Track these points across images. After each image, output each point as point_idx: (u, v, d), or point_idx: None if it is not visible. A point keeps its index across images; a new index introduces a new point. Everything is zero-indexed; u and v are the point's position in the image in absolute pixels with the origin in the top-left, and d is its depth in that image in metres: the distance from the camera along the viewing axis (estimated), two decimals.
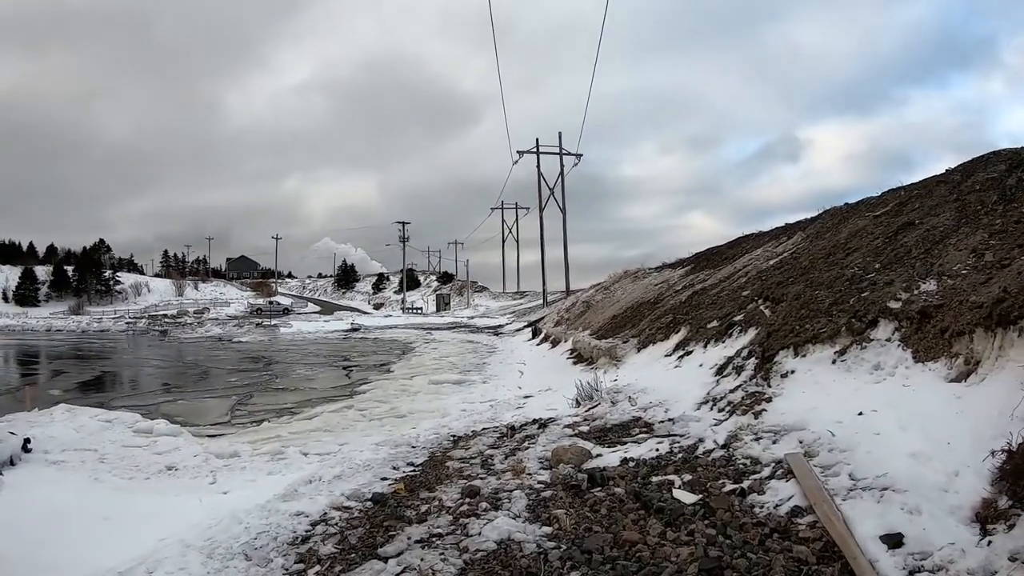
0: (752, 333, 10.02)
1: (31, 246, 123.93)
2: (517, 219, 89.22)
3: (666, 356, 12.41)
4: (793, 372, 7.56)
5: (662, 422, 7.84)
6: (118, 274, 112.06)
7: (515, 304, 74.41)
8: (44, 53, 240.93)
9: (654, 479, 6.04)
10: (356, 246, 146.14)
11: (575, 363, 18.20)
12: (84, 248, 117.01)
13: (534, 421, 9.67)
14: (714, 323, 11.94)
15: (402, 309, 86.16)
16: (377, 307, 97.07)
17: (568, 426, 8.64)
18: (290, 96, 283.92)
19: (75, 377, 27.22)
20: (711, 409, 7.85)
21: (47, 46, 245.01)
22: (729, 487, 5.65)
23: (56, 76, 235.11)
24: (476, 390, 17.44)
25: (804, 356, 7.74)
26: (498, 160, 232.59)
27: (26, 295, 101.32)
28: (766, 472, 5.76)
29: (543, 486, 6.56)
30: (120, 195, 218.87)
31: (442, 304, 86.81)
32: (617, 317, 20.25)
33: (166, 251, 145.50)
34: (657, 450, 6.94)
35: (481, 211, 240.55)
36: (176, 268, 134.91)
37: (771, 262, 14.75)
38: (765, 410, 7.00)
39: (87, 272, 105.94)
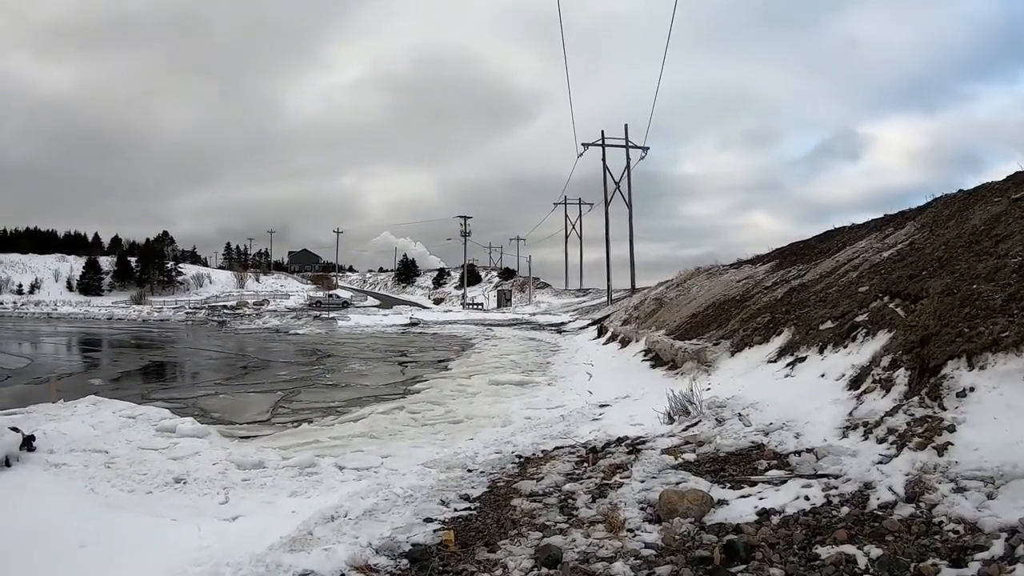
0: (884, 337, 8.13)
1: (96, 237, 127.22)
2: (580, 215, 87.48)
3: (769, 362, 10.56)
4: (973, 390, 5.62)
5: (797, 453, 5.87)
6: (180, 265, 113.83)
7: (578, 301, 72.63)
8: (106, 55, 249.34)
9: (821, 552, 4.10)
10: (415, 240, 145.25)
11: (653, 366, 16.39)
12: (147, 240, 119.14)
13: (619, 440, 7.86)
14: (828, 324, 10.05)
15: (462, 304, 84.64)
16: (437, 302, 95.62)
17: (667, 451, 6.70)
18: (345, 93, 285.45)
19: (122, 366, 26.74)
20: (864, 438, 5.88)
21: (109, 48, 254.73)
22: None
23: (119, 76, 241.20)
24: (541, 393, 15.79)
25: (983, 368, 5.80)
26: (556, 156, 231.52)
27: (90, 284, 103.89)
28: (998, 549, 3.83)
29: (654, 554, 4.61)
30: (184, 189, 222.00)
31: (503, 300, 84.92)
32: (697, 316, 18.40)
33: (228, 244, 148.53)
34: (807, 498, 5.05)
35: (541, 208, 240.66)
36: (238, 260, 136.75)
37: (885, 254, 12.82)
38: (950, 444, 5.07)
39: (150, 263, 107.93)
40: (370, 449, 10.49)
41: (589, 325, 40.25)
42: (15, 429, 9.62)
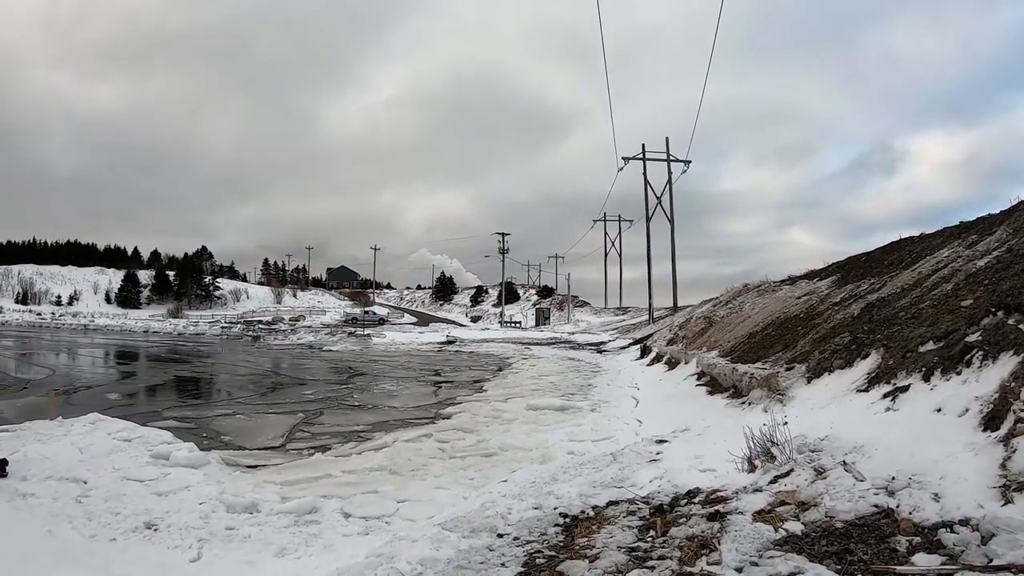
0: (1011, 360, 6.52)
1: (135, 251, 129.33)
2: (620, 232, 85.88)
3: (859, 391, 8.80)
4: None
5: (947, 526, 3.88)
6: (218, 280, 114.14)
7: (617, 320, 71.20)
8: (150, 73, 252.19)
9: None
10: (452, 257, 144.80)
11: (710, 392, 14.62)
12: (186, 254, 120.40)
13: (690, 495, 6.07)
14: (929, 345, 8.38)
15: (500, 323, 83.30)
16: (475, 320, 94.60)
17: (761, 516, 4.82)
18: (383, 111, 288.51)
19: (145, 380, 26.27)
20: None
21: (153, 66, 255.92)
22: None
23: (162, 93, 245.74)
24: (584, 421, 14.32)
25: None
26: (594, 174, 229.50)
27: (128, 297, 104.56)
28: None
29: None
30: (224, 205, 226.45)
31: (541, 318, 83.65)
32: (755, 336, 16.75)
33: (266, 259, 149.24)
34: None
35: (578, 226, 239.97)
36: (276, 276, 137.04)
37: (980, 263, 11.12)
38: None
39: (188, 277, 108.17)
40: (386, 490, 9.09)
41: (631, 345, 38.99)
42: None
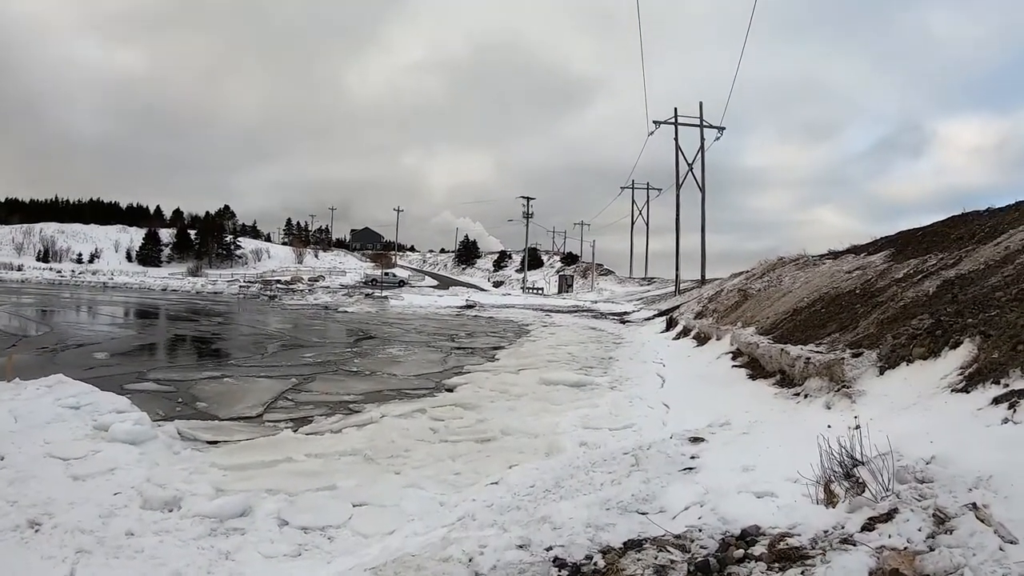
0: None
1: (158, 209, 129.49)
2: (648, 200, 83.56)
3: (954, 391, 6.79)
4: None
5: None
6: (239, 239, 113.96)
7: (642, 290, 69.40)
8: (173, 37, 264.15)
9: None
10: (475, 220, 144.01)
11: (752, 376, 12.46)
12: (208, 213, 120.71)
13: (744, 538, 3.94)
14: None
15: (522, 288, 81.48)
16: (497, 285, 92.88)
17: None
18: (406, 75, 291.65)
19: (142, 339, 25.36)
20: None
21: (176, 31, 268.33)
22: None
23: (184, 58, 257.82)
24: (602, 402, 12.47)
25: None
26: (617, 142, 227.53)
27: (148, 255, 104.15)
28: None
29: None
30: (248, 166, 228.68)
31: (564, 286, 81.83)
32: (800, 312, 14.77)
33: (289, 220, 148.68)
34: None
35: (602, 194, 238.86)
36: (298, 236, 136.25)
37: None
38: None
39: (209, 236, 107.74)
40: (346, 486, 7.37)
41: (655, 316, 37.13)
42: None
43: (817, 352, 10.22)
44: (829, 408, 7.79)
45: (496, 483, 7.06)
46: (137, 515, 6.35)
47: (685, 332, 23.91)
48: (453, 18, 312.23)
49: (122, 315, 37.09)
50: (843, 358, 9.12)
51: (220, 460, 8.28)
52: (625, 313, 44.21)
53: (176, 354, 21.83)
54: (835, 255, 21.97)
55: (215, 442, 9.49)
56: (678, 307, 33.44)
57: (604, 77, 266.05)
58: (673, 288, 53.18)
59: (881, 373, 8.46)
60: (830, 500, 4.60)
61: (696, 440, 7.28)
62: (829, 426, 6.39)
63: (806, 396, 9.17)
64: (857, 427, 5.75)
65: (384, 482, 7.56)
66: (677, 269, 52.46)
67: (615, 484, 6.10)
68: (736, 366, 13.83)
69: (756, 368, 12.74)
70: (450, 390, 14.09)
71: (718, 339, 17.97)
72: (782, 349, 11.49)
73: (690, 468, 6.21)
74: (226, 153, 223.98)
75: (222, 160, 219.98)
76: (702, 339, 20.20)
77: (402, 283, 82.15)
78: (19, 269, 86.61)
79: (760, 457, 6.19)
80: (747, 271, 29.79)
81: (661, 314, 36.22)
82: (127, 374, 15.40)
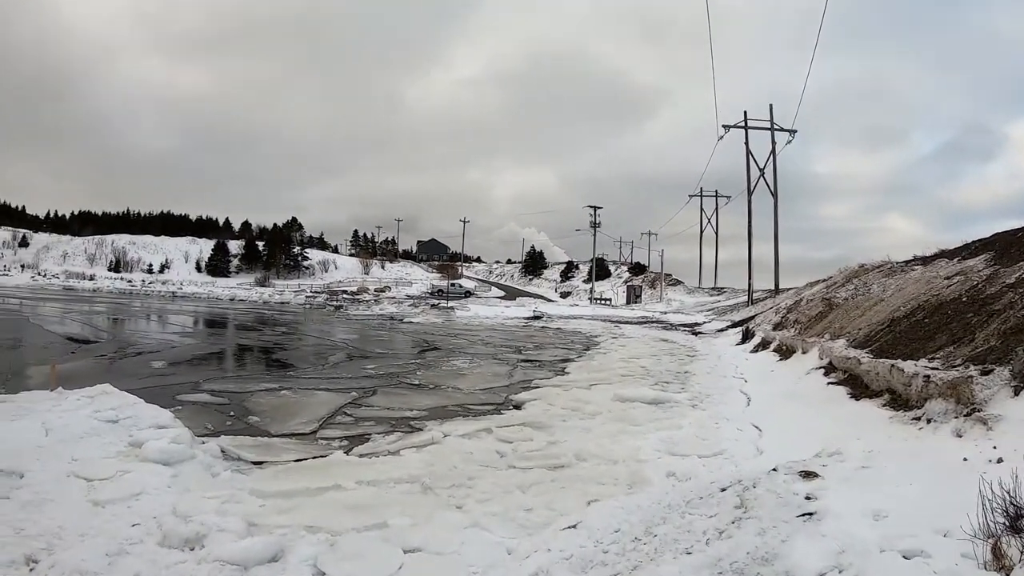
0: None
1: (226, 221, 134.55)
2: (717, 208, 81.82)
3: None
4: None
5: None
6: (307, 250, 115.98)
7: (712, 301, 68.12)
8: (237, 56, 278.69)
9: None
10: (539, 230, 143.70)
11: (852, 395, 11.17)
12: (275, 225, 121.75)
13: None
14: None
15: (590, 299, 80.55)
16: (564, 296, 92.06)
17: None
18: (467, 89, 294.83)
19: (203, 348, 24.99)
20: None
21: (239, 50, 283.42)
22: None
23: (248, 74, 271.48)
24: (685, 422, 11.35)
25: None
26: (683, 151, 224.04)
27: (217, 266, 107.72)
28: None
29: None
30: (314, 180, 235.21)
31: (632, 296, 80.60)
32: (898, 323, 13.41)
33: (356, 231, 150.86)
34: None
35: (665, 205, 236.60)
36: (365, 248, 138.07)
37: None
38: None
39: (276, 247, 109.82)
40: (399, 524, 6.36)
41: (729, 328, 35.82)
42: None
43: (935, 368, 9.01)
44: (960, 436, 6.67)
45: (574, 526, 6.02)
46: (151, 555, 5.52)
47: (764, 345, 22.72)
48: (511, 31, 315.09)
49: (187, 324, 37.03)
50: (971, 376, 7.90)
51: (261, 485, 7.44)
52: (696, 324, 42.93)
53: (236, 364, 21.39)
54: (924, 260, 20.70)
55: (260, 462, 8.72)
56: (753, 318, 32.36)
57: (666, 86, 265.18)
58: (745, 298, 51.86)
59: (1016, 393, 7.25)
60: (1000, 564, 3.56)
61: (808, 475, 6.14)
62: (965, 459, 5.39)
63: (929, 421, 7.94)
64: (998, 459, 4.71)
65: (443, 520, 6.54)
66: (750, 278, 50.86)
67: (723, 536, 5.06)
68: (832, 383, 12.60)
69: (857, 386, 11.51)
70: (518, 407, 13.14)
71: (804, 352, 16.76)
72: (892, 365, 10.24)
73: (809, 513, 5.11)
74: (293, 167, 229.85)
75: (289, 174, 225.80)
76: (785, 352, 19.01)
77: (468, 294, 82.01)
78: (91, 279, 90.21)
79: (892, 500, 5.12)
80: (826, 279, 28.66)
81: (735, 325, 35.20)
82: (182, 384, 14.96)
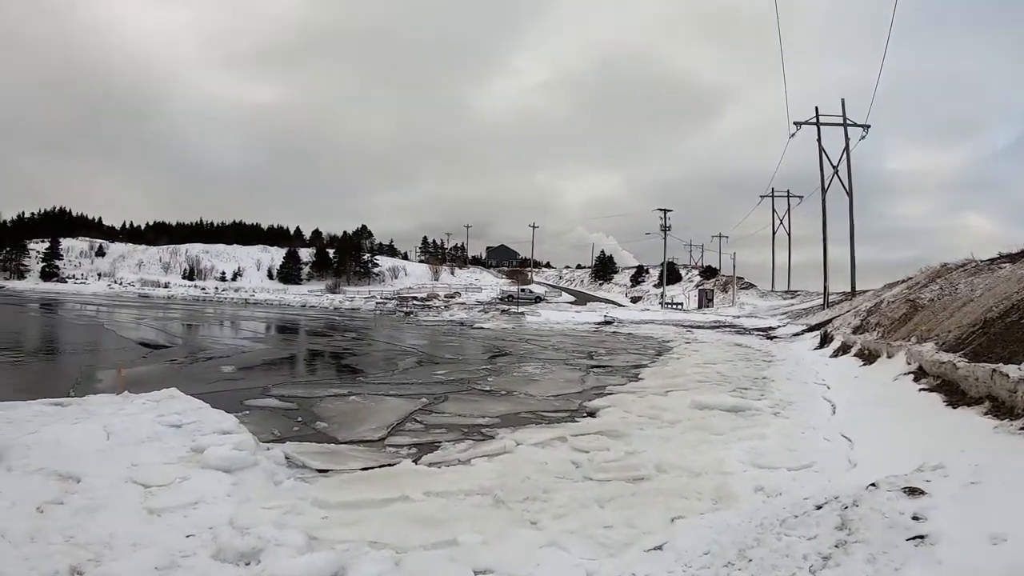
0: None
1: (297, 230, 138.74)
2: (789, 208, 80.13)
3: None
4: None
5: None
6: (377, 257, 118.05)
7: (786, 304, 66.95)
8: (302, 70, 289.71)
9: None
10: (608, 235, 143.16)
11: (948, 403, 10.19)
12: (345, 232, 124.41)
13: None
14: None
15: (661, 304, 79.77)
16: (635, 300, 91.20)
17: None
18: (532, 96, 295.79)
19: (273, 353, 25.36)
20: None
21: (306, 64, 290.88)
22: None
23: (315, 87, 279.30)
24: (768, 431, 10.73)
25: None
26: (752, 151, 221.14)
27: (289, 273, 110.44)
28: None
29: None
30: (382, 189, 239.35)
31: (704, 300, 79.54)
32: (991, 324, 12.41)
33: (425, 238, 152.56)
34: None
35: (738, 204, 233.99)
36: (434, 254, 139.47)
37: None
38: None
39: (347, 254, 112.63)
40: (469, 541, 5.95)
41: (805, 331, 35.05)
42: None
43: None
44: None
45: (660, 547, 5.52)
46: (203, 569, 5.21)
47: (844, 349, 21.94)
48: (574, 36, 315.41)
49: (258, 330, 37.43)
50: None
51: (324, 495, 7.10)
52: (770, 328, 42.08)
53: (305, 369, 21.26)
54: (1011, 258, 19.99)
55: (325, 470, 8.47)
56: (831, 321, 31.61)
57: (731, 84, 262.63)
58: (819, 301, 50.90)
59: None
60: None
61: (913, 492, 5.54)
62: None
63: None
64: None
65: (517, 537, 6.07)
66: (825, 280, 49.72)
67: (829, 563, 4.48)
68: (924, 389, 11.86)
69: (952, 393, 10.76)
70: (592, 414, 12.65)
71: (889, 357, 16.02)
72: (994, 370, 9.51)
73: (920, 537, 4.52)
74: (362, 176, 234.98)
75: (359, 183, 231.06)
76: (868, 357, 18.25)
77: (538, 299, 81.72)
78: (166, 287, 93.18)
79: (1012, 521, 4.54)
80: (906, 280, 27.91)
81: (811, 329, 34.46)
82: (251, 389, 14.94)
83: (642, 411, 12.54)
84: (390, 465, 8.66)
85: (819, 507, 5.70)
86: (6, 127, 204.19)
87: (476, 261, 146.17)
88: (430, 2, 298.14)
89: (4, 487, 6.45)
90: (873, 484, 5.85)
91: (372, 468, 8.59)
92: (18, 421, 8.92)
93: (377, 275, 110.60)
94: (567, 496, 7.29)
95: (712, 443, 9.93)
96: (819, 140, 47.69)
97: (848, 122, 46.97)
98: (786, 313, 55.37)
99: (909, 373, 13.42)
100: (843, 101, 47.31)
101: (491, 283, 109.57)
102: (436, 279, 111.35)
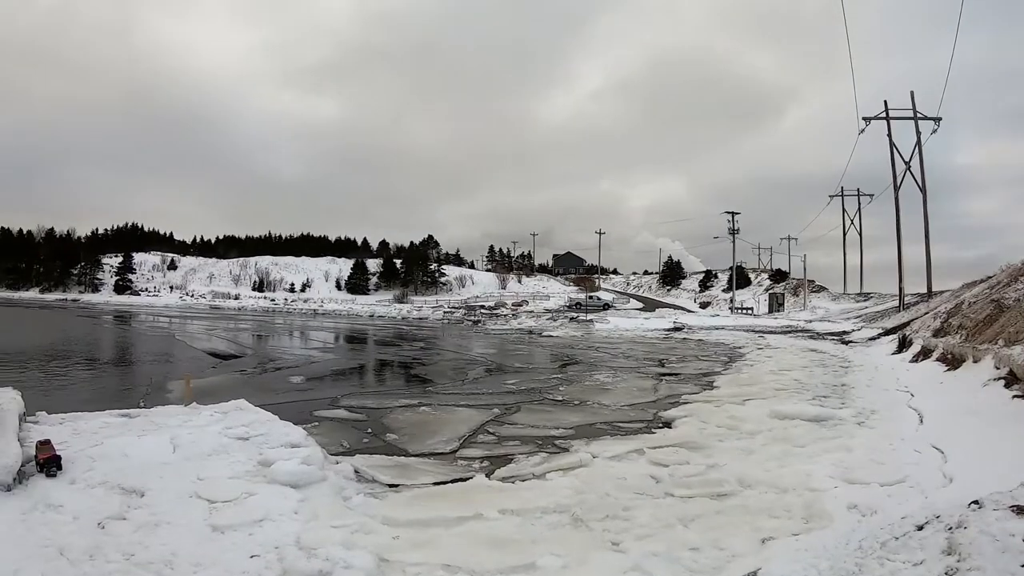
0: None
1: (364, 241, 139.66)
2: (859, 207, 77.93)
3: None
4: None
5: None
6: (443, 267, 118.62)
7: (859, 307, 65.15)
8: (365, 83, 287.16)
9: None
10: (673, 240, 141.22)
11: None
12: (412, 243, 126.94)
13: None
14: None
15: (730, 309, 78.31)
16: (703, 306, 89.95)
17: None
18: (590, 102, 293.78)
19: (341, 363, 25.45)
20: None
21: (366, 78, 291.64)
22: None
23: (376, 99, 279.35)
24: (855, 443, 10.21)
25: None
26: (817, 150, 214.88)
27: (357, 284, 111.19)
28: None
29: None
30: (447, 198, 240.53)
31: (775, 305, 77.97)
32: None
33: (491, 247, 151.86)
34: None
35: (802, 207, 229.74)
36: (501, 263, 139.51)
37: None
38: None
39: (414, 264, 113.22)
40: (550, 566, 5.60)
41: (881, 335, 34.15)
42: (45, 443, 7.48)
43: None
44: None
45: (753, 574, 5.16)
46: None
47: (925, 353, 21.13)
48: (630, 41, 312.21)
49: (327, 340, 37.81)
50: None
51: (395, 513, 6.88)
52: (844, 333, 40.95)
53: (374, 379, 21.36)
54: None
55: (395, 485, 8.23)
56: (908, 324, 30.45)
57: (792, 84, 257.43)
58: (894, 303, 49.36)
59: None
60: None
61: (1021, 511, 5.11)
62: None
63: None
64: None
65: (599, 561, 5.72)
66: (900, 281, 48.00)
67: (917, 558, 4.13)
68: (1018, 396, 11.28)
69: None
70: (669, 425, 12.30)
71: (975, 361, 15.34)
72: None
73: None
74: (427, 187, 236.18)
75: (424, 193, 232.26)
76: (951, 362, 17.55)
77: (607, 306, 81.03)
78: (236, 298, 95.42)
79: None
80: (986, 279, 26.67)
81: (887, 332, 33.54)
82: (320, 399, 14.99)
83: (720, 421, 12.15)
84: (463, 480, 8.47)
85: (920, 528, 5.27)
86: (80, 148, 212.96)
87: (543, 269, 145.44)
88: (483, 14, 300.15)
89: (67, 501, 6.40)
90: (976, 502, 5.40)
91: (444, 483, 8.38)
92: (84, 432, 8.98)
93: (444, 284, 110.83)
94: (649, 514, 6.96)
95: (796, 456, 9.51)
96: (889, 135, 45.89)
97: (919, 115, 45.46)
98: (859, 316, 54.00)
99: (999, 379, 12.79)
100: (912, 94, 45.26)
101: (558, 291, 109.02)
102: (503, 287, 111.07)
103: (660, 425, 12.38)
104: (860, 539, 5.45)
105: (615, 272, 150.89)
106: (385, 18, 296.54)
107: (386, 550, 5.85)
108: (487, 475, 8.69)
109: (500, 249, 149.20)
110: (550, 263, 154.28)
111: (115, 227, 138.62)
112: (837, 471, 8.43)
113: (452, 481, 8.45)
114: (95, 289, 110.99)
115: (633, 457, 9.59)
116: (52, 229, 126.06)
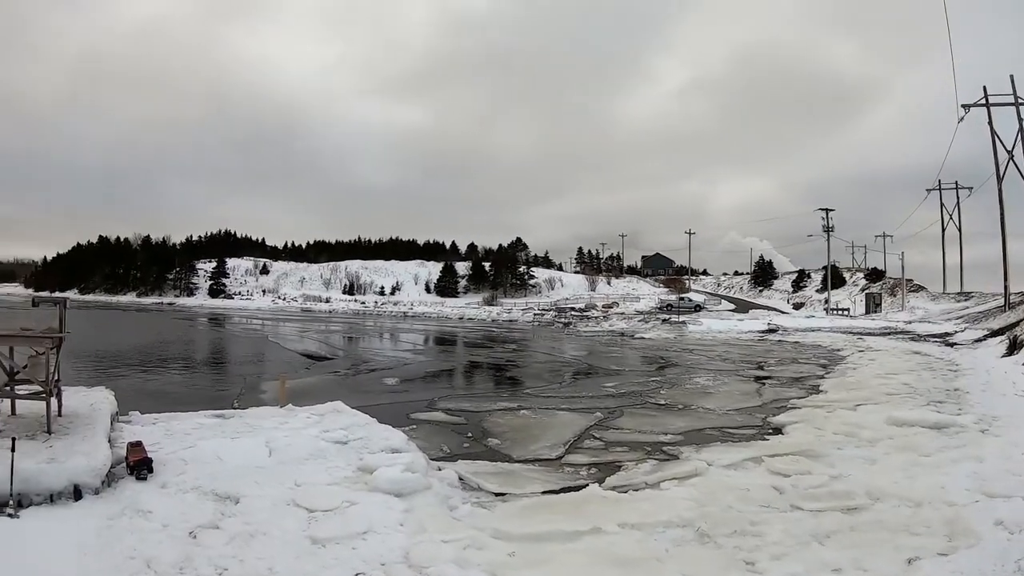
0: None
1: (453, 245, 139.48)
2: (958, 201, 74.04)
3: None
4: None
5: None
6: (532, 269, 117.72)
7: (960, 307, 62.75)
8: (449, 91, 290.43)
9: None
10: (762, 239, 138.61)
11: None
12: (500, 245, 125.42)
13: None
14: None
15: (825, 309, 76.39)
16: (797, 307, 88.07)
17: None
18: (674, 101, 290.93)
19: (435, 365, 25.72)
20: None
21: (451, 85, 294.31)
22: None
23: (460, 106, 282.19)
24: (985, 452, 9.47)
25: None
26: (910, 142, 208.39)
27: (446, 287, 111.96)
28: None
29: None
30: (534, 202, 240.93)
31: (872, 305, 75.66)
32: None
33: (580, 248, 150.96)
34: None
35: (899, 202, 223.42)
36: (589, 264, 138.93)
37: None
38: None
39: (502, 267, 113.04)
40: None
41: (988, 337, 32.58)
42: (136, 444, 7.46)
43: None
44: None
45: None
46: None
47: None
48: (712, 38, 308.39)
49: (419, 342, 37.99)
50: None
51: (507, 525, 6.55)
52: (947, 334, 39.33)
53: (469, 381, 21.28)
54: None
55: (502, 494, 7.94)
56: (1017, 324, 29.24)
57: (880, 76, 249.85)
58: (998, 303, 47.05)
59: None
60: None
61: None
62: None
63: None
64: None
65: None
66: (1006, 279, 45.55)
67: None
68: None
69: None
70: (780, 430, 11.83)
71: None
72: None
73: None
74: (514, 190, 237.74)
75: (511, 197, 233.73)
76: None
77: (698, 307, 79.86)
78: (327, 301, 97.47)
79: None
80: None
81: (994, 333, 32.02)
82: (416, 402, 14.94)
83: (836, 428, 11.55)
84: (575, 489, 8.13)
85: None
86: (175, 159, 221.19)
87: (631, 270, 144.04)
88: (563, 15, 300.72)
89: (156, 507, 6.25)
90: None
91: (554, 492, 8.09)
92: (177, 433, 8.92)
93: (533, 287, 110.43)
94: (779, 530, 6.51)
95: (923, 466, 8.90)
96: (990, 123, 43.26)
97: (1021, 101, 42.73)
98: (961, 317, 51.99)
99: None
100: (1012, 78, 42.31)
101: (648, 292, 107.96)
102: (592, 289, 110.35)
103: (771, 431, 11.94)
104: (1016, 559, 4.98)
105: (705, 273, 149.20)
106: (466, 25, 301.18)
107: (501, 569, 5.54)
108: (598, 484, 8.35)
109: (588, 251, 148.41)
110: (639, 264, 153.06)
111: (208, 234, 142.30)
112: (973, 483, 7.84)
113: (562, 490, 8.17)
114: (190, 293, 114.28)
115: (749, 466, 9.19)
116: (148, 236, 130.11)
